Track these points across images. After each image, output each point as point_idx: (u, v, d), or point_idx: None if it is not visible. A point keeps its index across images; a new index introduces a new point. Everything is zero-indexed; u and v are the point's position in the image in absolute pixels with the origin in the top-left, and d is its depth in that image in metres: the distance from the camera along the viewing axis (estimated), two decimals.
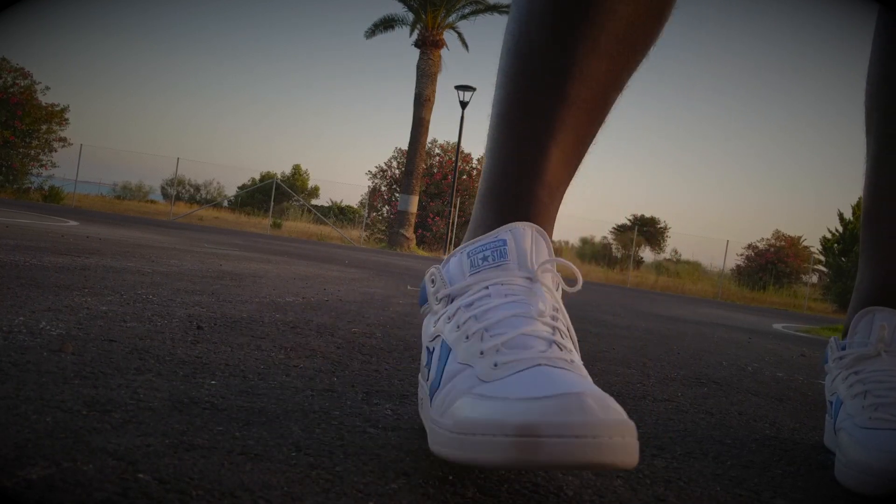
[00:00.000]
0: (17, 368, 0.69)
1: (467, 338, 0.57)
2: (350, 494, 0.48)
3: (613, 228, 27.87)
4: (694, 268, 24.09)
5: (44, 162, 17.83)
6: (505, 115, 0.68)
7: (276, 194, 19.90)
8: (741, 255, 23.89)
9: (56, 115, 17.46)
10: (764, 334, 3.99)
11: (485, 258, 0.61)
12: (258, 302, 1.63)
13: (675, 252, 27.02)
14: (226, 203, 25.31)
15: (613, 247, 27.60)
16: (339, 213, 25.53)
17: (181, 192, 26.46)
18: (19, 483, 0.42)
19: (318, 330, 1.27)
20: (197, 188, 28.21)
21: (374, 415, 0.71)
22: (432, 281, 0.64)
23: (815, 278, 23.28)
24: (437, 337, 0.61)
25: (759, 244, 24.04)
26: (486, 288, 0.59)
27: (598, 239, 28.33)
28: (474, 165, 21.22)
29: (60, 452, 0.47)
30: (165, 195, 25.47)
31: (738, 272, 23.55)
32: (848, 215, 21.34)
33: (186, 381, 0.73)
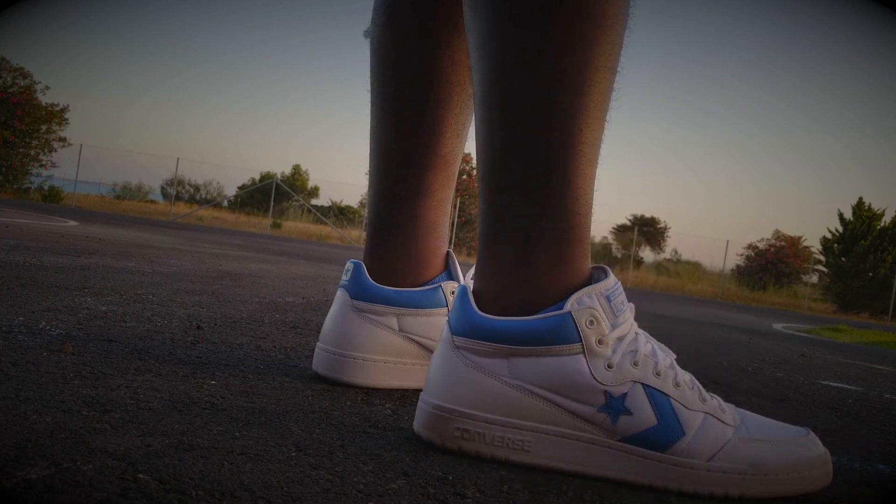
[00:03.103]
0: (17, 368, 0.69)
1: (677, 385, 0.62)
2: (350, 494, 0.48)
3: (613, 228, 27.90)
4: (694, 268, 24.10)
5: (44, 162, 17.83)
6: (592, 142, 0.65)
7: (275, 194, 19.92)
8: (741, 255, 23.91)
9: (56, 115, 17.45)
10: (764, 334, 3.99)
11: (622, 302, 0.63)
12: (258, 302, 1.63)
13: (675, 252, 27.05)
14: (225, 203, 25.31)
15: (613, 247, 27.63)
16: (339, 213, 25.54)
17: (181, 192, 26.46)
18: (19, 483, 0.42)
19: (318, 330, 1.26)
20: (197, 188, 28.22)
21: (374, 415, 0.71)
22: (590, 322, 0.61)
23: (815, 278, 23.29)
24: (626, 382, 0.61)
25: (759, 244, 24.06)
26: (637, 333, 0.63)
27: (598, 239, 28.34)
28: (473, 165, 21.21)
29: (60, 453, 0.47)
30: (165, 195, 25.49)
31: (739, 272, 23.56)
32: (848, 215, 21.36)
33: (186, 381, 0.73)
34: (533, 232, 0.64)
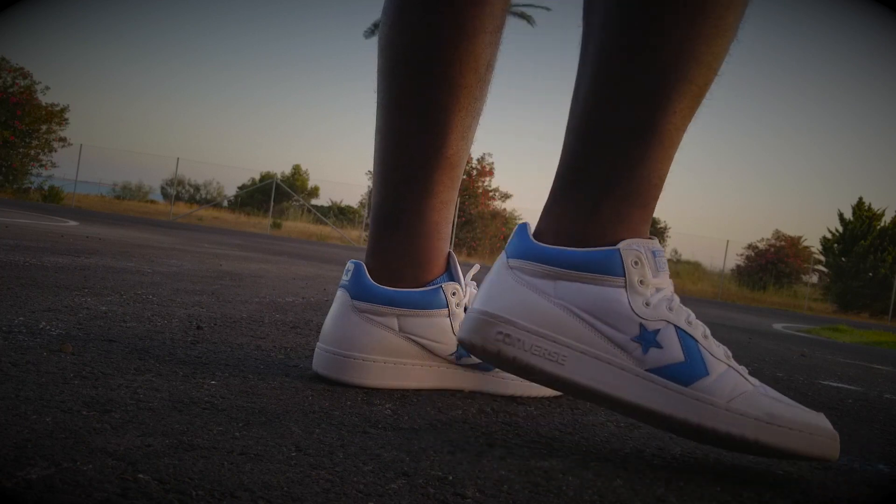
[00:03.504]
0: (17, 369, 0.69)
1: (706, 337, 0.68)
2: (350, 494, 0.48)
3: None
4: (694, 268, 24.10)
5: (44, 162, 17.84)
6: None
7: (275, 194, 19.92)
8: (741, 255, 23.91)
9: (56, 115, 17.46)
10: (764, 334, 4.00)
11: (665, 264, 0.70)
12: (258, 302, 1.63)
13: (675, 252, 27.04)
14: (225, 203, 25.33)
15: None
16: (339, 213, 25.55)
17: (181, 192, 26.49)
18: (19, 483, 0.42)
19: (318, 330, 1.26)
20: (197, 188, 28.25)
21: (374, 415, 0.71)
22: (635, 263, 0.67)
23: (815, 278, 23.30)
24: (660, 320, 0.67)
25: (759, 244, 24.06)
26: (673, 294, 0.69)
27: None
28: (474, 165, 21.22)
29: (60, 453, 0.47)
30: (165, 195, 25.52)
31: (739, 272, 23.56)
32: (848, 215, 21.36)
33: (186, 381, 0.73)
34: (607, 187, 0.69)
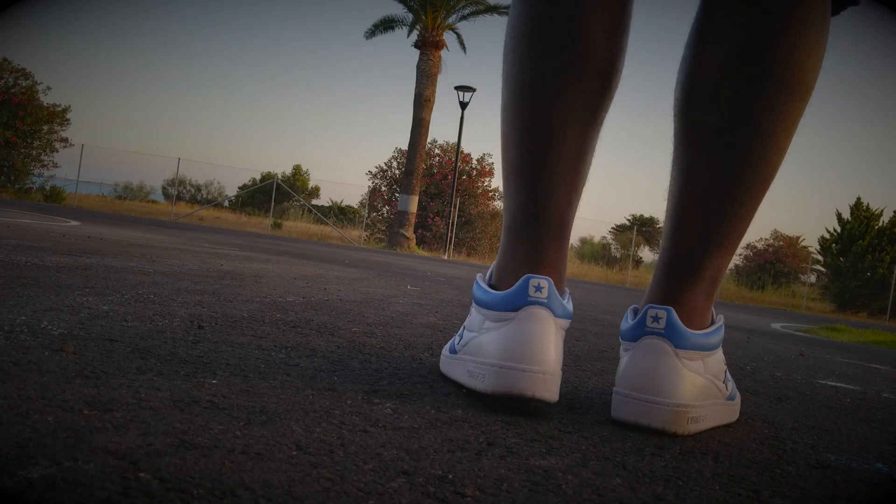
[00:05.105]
0: (19, 368, 0.69)
1: (468, 321, 0.94)
2: (350, 493, 0.48)
3: (613, 228, 27.91)
4: None
5: (45, 162, 17.85)
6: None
7: (276, 194, 19.91)
8: (740, 254, 23.91)
9: (57, 116, 17.47)
10: (762, 334, 3.99)
11: None
12: (259, 301, 1.63)
13: None
14: (226, 203, 25.33)
15: (613, 247, 27.64)
16: (340, 213, 25.55)
17: (182, 192, 26.50)
18: (20, 482, 0.42)
19: (318, 329, 1.27)
20: (198, 188, 28.26)
21: (374, 414, 0.71)
22: None
23: (813, 278, 23.30)
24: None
25: (757, 244, 24.05)
26: None
27: (597, 239, 28.37)
28: (474, 165, 21.22)
29: (62, 452, 0.48)
30: (166, 195, 25.54)
31: (737, 272, 23.55)
32: (846, 215, 21.35)
33: (188, 381, 0.74)
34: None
